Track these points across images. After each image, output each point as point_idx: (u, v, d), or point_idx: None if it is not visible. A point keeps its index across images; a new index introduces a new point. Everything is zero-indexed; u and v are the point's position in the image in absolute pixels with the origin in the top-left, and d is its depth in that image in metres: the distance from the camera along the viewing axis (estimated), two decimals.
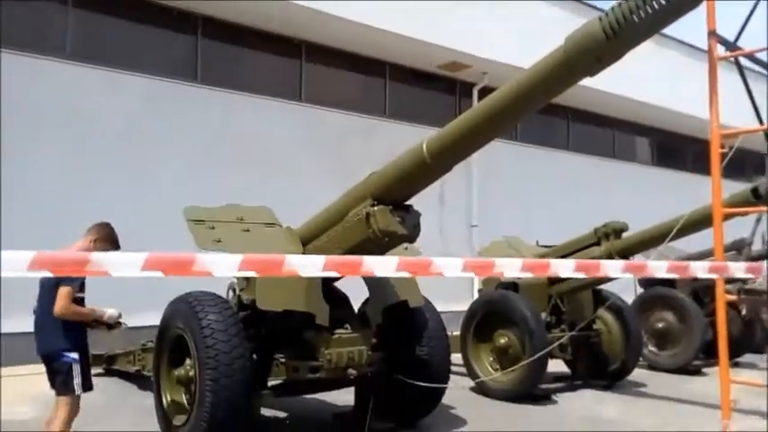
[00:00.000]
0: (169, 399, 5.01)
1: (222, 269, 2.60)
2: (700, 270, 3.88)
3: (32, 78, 8.95)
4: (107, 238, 4.38)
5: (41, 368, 8.15)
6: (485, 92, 12.55)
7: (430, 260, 3.06)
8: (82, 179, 9.10)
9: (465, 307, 8.02)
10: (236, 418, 4.44)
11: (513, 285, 7.66)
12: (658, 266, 3.62)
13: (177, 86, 10.19)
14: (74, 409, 4.23)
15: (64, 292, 4.06)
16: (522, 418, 6.29)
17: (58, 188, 8.91)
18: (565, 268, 3.59)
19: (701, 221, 6.49)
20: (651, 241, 7.30)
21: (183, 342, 4.76)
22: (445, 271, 3.06)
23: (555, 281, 7.84)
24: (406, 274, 3.21)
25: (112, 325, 4.40)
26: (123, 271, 2.41)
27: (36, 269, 2.23)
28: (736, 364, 9.13)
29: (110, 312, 4.36)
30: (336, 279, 5.36)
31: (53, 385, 4.27)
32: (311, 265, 2.91)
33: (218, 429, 4.36)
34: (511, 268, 3.38)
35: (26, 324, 8.43)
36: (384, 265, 3.10)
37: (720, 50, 4.40)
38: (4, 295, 8.36)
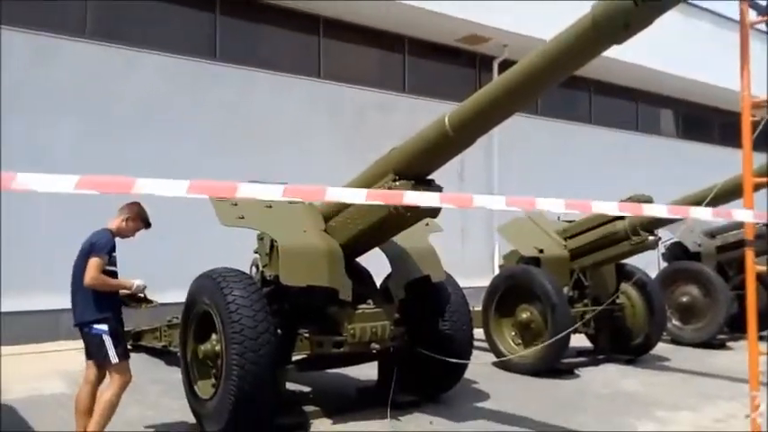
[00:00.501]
0: (196, 374, 5.08)
1: (266, 195, 2.61)
2: (745, 216, 3.81)
3: (51, 58, 9.01)
4: (138, 217, 4.52)
5: (65, 345, 8.43)
6: (505, 65, 12.35)
7: (472, 195, 3.06)
8: (100, 157, 9.18)
9: (485, 283, 8.01)
10: (262, 391, 4.50)
11: (534, 260, 7.62)
12: (703, 212, 3.56)
13: (196, 64, 10.18)
14: (125, 377, 4.30)
15: (93, 263, 4.14)
16: (545, 392, 6.29)
17: (76, 166, 8.99)
18: (608, 208, 3.56)
19: (732, 191, 6.34)
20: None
21: (208, 317, 4.81)
22: (488, 204, 3.05)
23: (577, 255, 7.79)
24: (450, 206, 3.18)
25: (144, 300, 4.49)
26: (169, 192, 2.44)
27: (83, 189, 2.26)
28: (761, 338, 9.01)
29: (137, 283, 4.44)
30: (359, 255, 5.38)
31: (90, 356, 4.35)
32: (354, 196, 2.90)
33: (244, 402, 4.42)
34: (553, 205, 3.36)
35: (49, 302, 8.69)
36: (427, 198, 3.08)
37: (752, 15, 4.27)
38: (27, 273, 8.56)
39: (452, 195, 3.22)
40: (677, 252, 9.79)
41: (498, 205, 3.05)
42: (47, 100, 8.92)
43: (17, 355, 7.81)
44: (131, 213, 4.46)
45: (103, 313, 4.22)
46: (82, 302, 4.26)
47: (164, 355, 7.38)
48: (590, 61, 3.55)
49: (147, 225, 4.56)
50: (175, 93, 9.93)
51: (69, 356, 7.70)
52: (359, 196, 2.86)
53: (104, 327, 4.20)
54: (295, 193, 2.69)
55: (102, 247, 4.22)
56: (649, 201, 7.16)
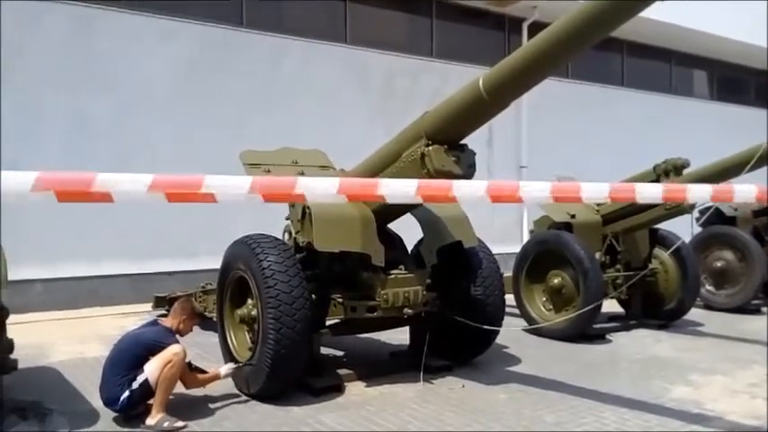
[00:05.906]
0: (234, 337, 5.19)
1: (320, 193, 2.64)
2: None
3: (85, 28, 9.08)
4: (193, 314, 4.68)
5: (103, 311, 8.63)
6: (535, 27, 12.10)
7: (518, 184, 3.03)
8: (135, 126, 9.29)
9: (514, 249, 7.97)
10: (298, 355, 4.58)
11: (566, 226, 7.55)
12: (746, 189, 3.48)
13: (224, 32, 10.17)
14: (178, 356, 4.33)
15: (181, 353, 4.24)
16: (577, 357, 6.29)
17: (116, 135, 9.13)
18: (651, 194, 3.51)
19: None
20: (715, 177, 7.03)
21: (244, 283, 4.89)
22: (534, 193, 3.04)
23: (610, 220, 7.70)
24: (489, 197, 3.15)
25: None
26: (231, 195, 2.50)
27: (154, 191, 2.32)
28: None
29: (224, 372, 4.75)
30: (391, 220, 5.39)
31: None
32: (404, 190, 2.88)
33: (281, 366, 4.51)
34: (597, 192, 3.33)
35: (88, 269, 8.86)
36: (471, 190, 3.06)
37: None
38: (68, 243, 8.76)
39: (496, 185, 3.18)
40: (712, 216, 9.60)
41: (544, 194, 3.01)
42: (86, 69, 9.02)
43: (60, 320, 8.07)
44: (186, 314, 4.57)
45: (128, 375, 4.23)
46: (112, 380, 4.26)
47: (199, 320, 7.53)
48: (633, 17, 3.43)
49: (203, 317, 4.66)
50: (205, 61, 9.95)
51: (108, 321, 7.94)
52: (409, 191, 2.82)
53: (136, 381, 4.19)
54: (349, 189, 2.68)
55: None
56: (686, 164, 7.03)
